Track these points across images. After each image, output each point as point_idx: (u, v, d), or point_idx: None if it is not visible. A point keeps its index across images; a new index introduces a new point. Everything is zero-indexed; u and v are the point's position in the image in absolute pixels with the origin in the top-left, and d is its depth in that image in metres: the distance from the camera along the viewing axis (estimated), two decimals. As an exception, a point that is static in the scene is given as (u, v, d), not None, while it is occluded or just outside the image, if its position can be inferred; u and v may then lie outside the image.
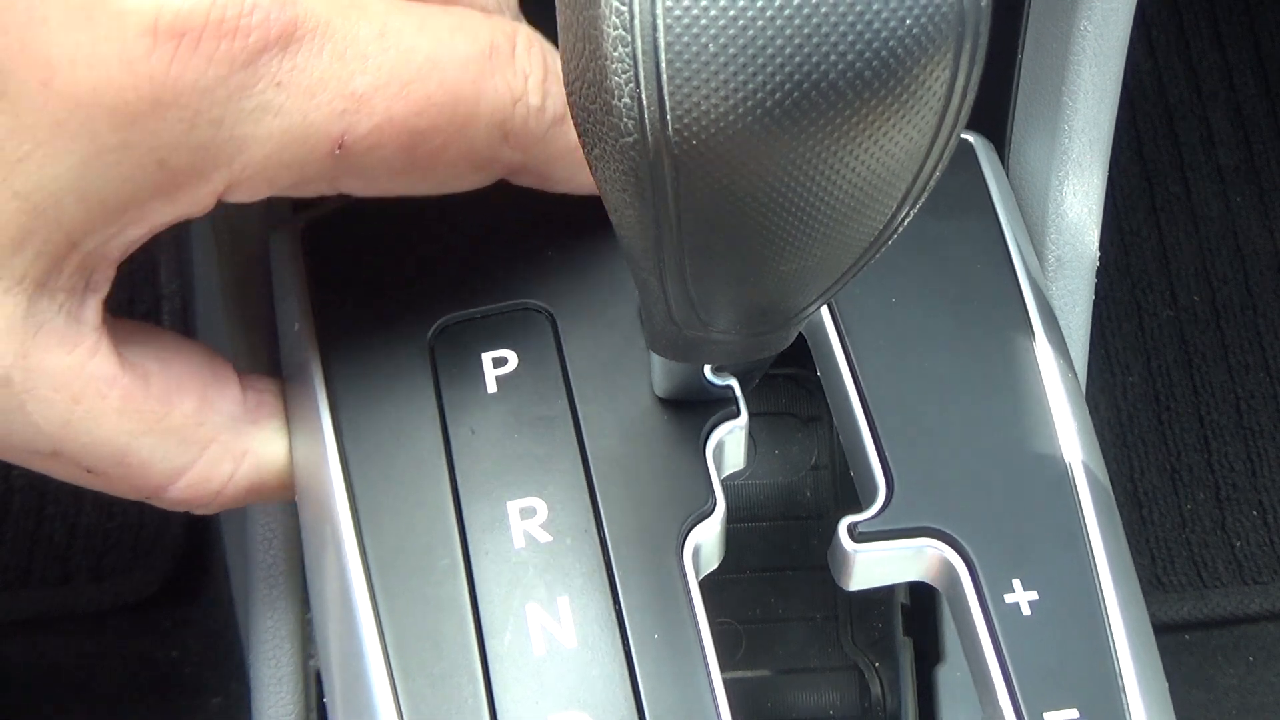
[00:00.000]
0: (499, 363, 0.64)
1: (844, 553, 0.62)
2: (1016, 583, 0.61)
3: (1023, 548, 0.62)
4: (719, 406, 0.63)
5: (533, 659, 0.59)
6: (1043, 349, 0.67)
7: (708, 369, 0.61)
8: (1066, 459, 0.64)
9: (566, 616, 0.59)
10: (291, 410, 0.66)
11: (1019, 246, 0.69)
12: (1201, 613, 1.41)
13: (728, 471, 0.65)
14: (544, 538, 0.61)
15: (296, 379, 0.66)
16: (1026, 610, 0.61)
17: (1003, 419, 0.64)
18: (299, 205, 0.73)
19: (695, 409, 0.63)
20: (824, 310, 0.66)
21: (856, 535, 0.61)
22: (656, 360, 0.58)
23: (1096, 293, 0.77)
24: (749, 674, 0.76)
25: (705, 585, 0.75)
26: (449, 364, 0.64)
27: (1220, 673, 1.40)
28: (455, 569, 0.60)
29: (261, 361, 0.72)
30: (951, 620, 0.64)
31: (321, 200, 0.68)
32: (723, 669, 0.75)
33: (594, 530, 0.61)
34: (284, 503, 0.73)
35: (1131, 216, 1.57)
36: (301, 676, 0.76)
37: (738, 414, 0.63)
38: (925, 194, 0.38)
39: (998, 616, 0.61)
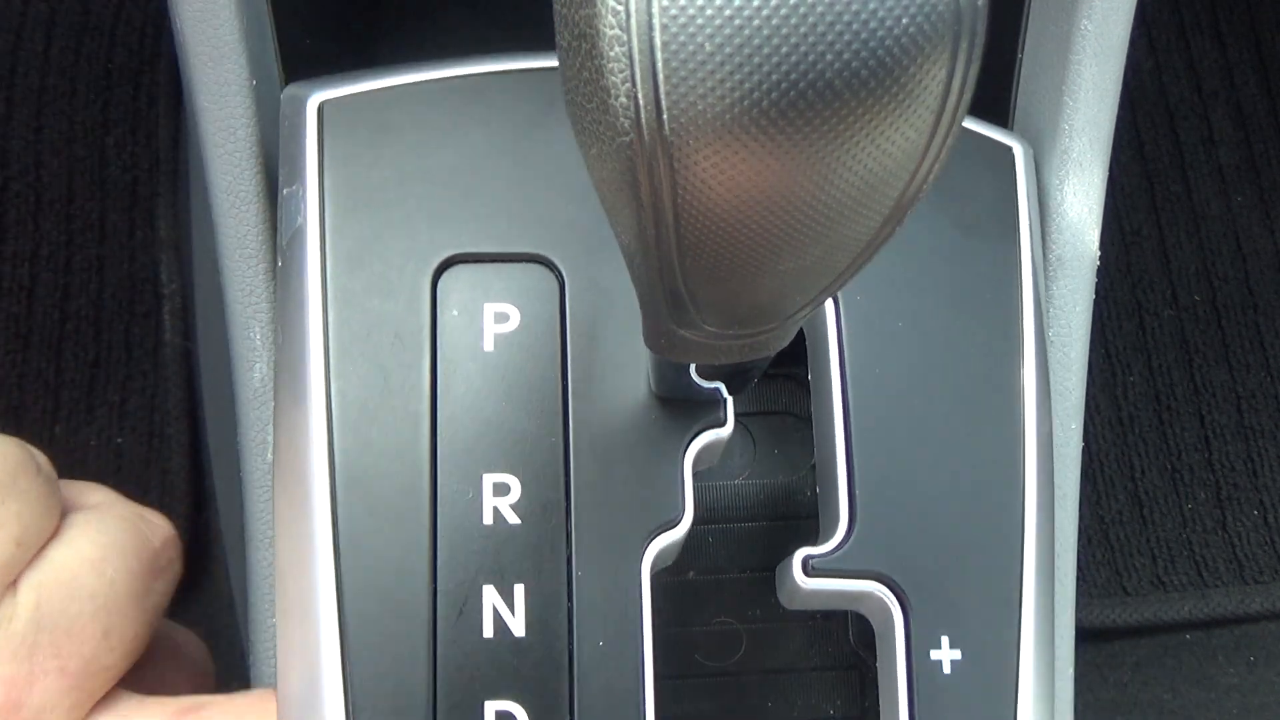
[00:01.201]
0: (500, 318, 0.64)
1: (793, 582, 0.63)
2: (945, 640, 0.64)
3: (959, 606, 0.64)
4: (707, 411, 0.63)
5: (480, 641, 0.60)
6: (1030, 404, 0.68)
7: (694, 372, 0.61)
8: (1025, 522, 0.66)
9: (520, 605, 0.60)
10: (281, 326, 0.65)
11: (1034, 283, 0.70)
12: (1202, 612, 1.41)
13: (703, 467, 0.66)
14: (513, 519, 0.61)
15: (292, 289, 0.64)
16: (947, 669, 0.63)
17: (974, 473, 0.66)
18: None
19: (683, 411, 0.63)
20: (829, 333, 0.66)
21: (809, 569, 0.63)
22: (651, 356, 0.58)
23: (1097, 292, 0.76)
24: (749, 673, 0.75)
25: (706, 586, 0.75)
26: (450, 306, 0.63)
27: (1221, 672, 1.40)
28: (421, 533, 0.61)
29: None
30: None
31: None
32: (723, 669, 0.75)
33: (562, 522, 0.61)
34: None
35: (1132, 215, 1.57)
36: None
37: (723, 422, 0.63)
38: (923, 192, 0.38)
39: (918, 672, 0.63)
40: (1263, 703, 1.38)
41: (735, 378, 0.61)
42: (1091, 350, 0.76)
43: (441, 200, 0.64)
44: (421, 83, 0.66)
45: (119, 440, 1.42)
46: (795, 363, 0.71)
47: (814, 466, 0.78)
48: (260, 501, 0.72)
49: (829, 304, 0.66)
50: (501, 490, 0.61)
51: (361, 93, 0.66)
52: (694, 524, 0.70)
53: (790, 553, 0.65)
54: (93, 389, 1.44)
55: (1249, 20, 1.64)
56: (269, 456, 0.71)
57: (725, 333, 0.46)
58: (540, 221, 0.64)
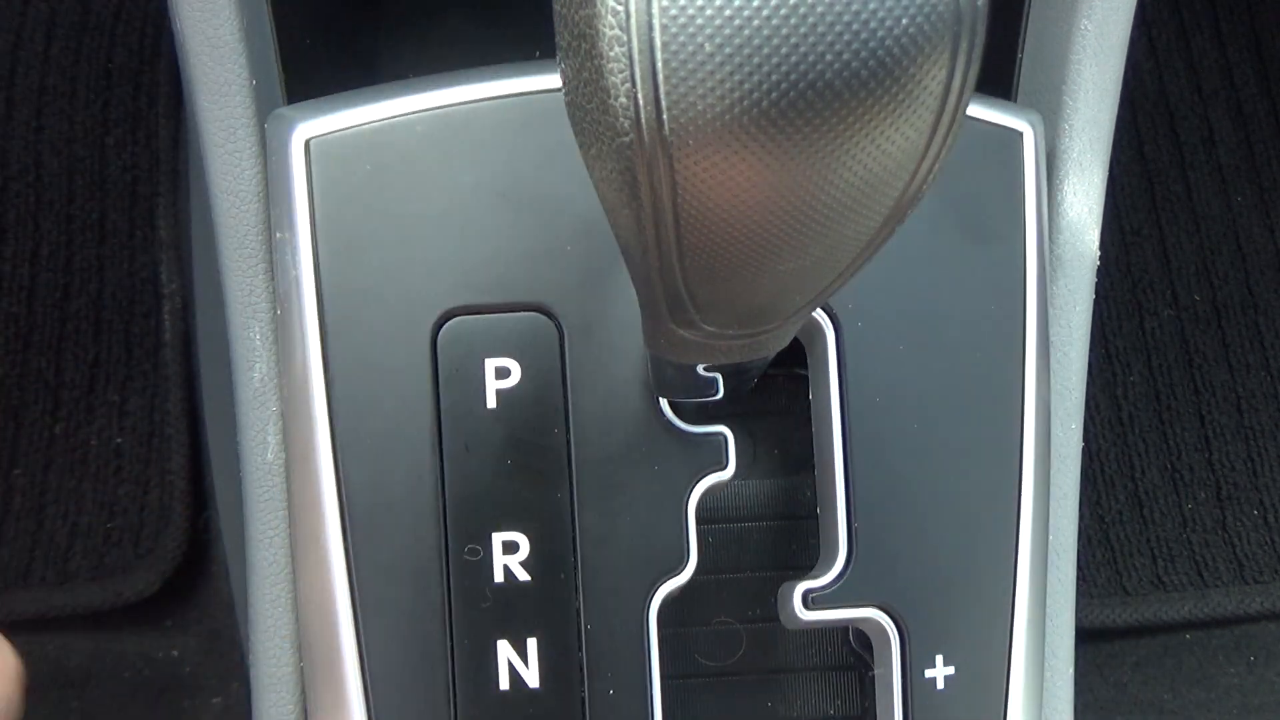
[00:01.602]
0: (501, 374, 0.64)
1: (793, 614, 0.66)
2: (939, 658, 0.66)
3: (953, 626, 0.66)
4: (708, 456, 0.65)
5: (497, 694, 0.62)
6: (1030, 422, 0.69)
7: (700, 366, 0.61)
8: (1020, 540, 0.68)
9: (533, 658, 0.63)
10: (285, 383, 0.66)
11: (1040, 301, 0.70)
12: (1202, 612, 1.41)
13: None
14: (523, 576, 0.63)
15: (295, 350, 0.65)
16: (941, 685, 0.66)
17: (970, 499, 0.67)
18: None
19: (685, 457, 0.65)
20: (830, 365, 0.67)
21: (810, 603, 0.65)
22: (650, 355, 0.58)
23: (1097, 292, 0.76)
24: (749, 673, 0.75)
25: (706, 586, 0.75)
26: (450, 362, 0.64)
27: (1221, 672, 1.40)
28: (435, 595, 0.63)
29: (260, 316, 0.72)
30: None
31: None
32: (723, 669, 0.75)
33: (570, 576, 0.63)
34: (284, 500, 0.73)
35: (1132, 215, 1.57)
36: (302, 677, 0.76)
37: (725, 465, 0.65)
38: (923, 191, 0.38)
39: (914, 689, 0.66)
40: (1262, 703, 1.38)
41: (734, 378, 0.61)
42: (1091, 350, 0.76)
43: (437, 249, 0.64)
44: (409, 116, 0.64)
45: (119, 440, 1.42)
46: (796, 363, 0.71)
47: (814, 467, 0.78)
48: (260, 501, 0.72)
49: (830, 333, 0.67)
50: (511, 548, 0.63)
51: (350, 129, 0.65)
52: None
53: (790, 578, 0.67)
54: (93, 389, 1.44)
55: (1249, 20, 1.64)
56: (269, 456, 0.71)
57: (725, 332, 0.46)
58: (537, 268, 0.64)
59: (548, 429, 0.64)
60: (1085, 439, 0.77)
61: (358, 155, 0.65)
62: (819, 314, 0.67)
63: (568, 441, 0.64)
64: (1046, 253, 0.71)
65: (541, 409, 0.64)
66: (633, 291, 0.64)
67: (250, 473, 0.72)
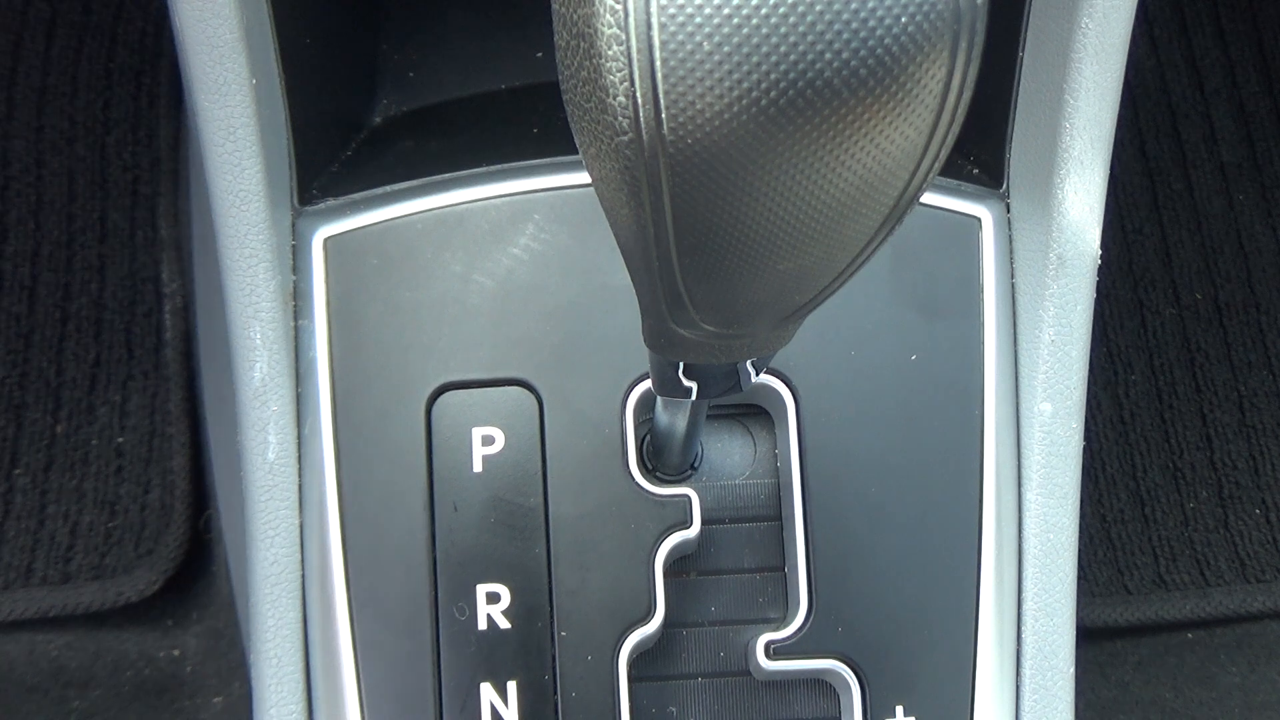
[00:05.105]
0: (486, 441, 0.71)
1: (758, 665, 0.70)
2: (899, 709, 0.70)
3: (913, 677, 0.70)
4: (674, 515, 0.70)
5: None
6: (990, 481, 0.72)
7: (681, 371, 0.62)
8: (981, 592, 0.71)
9: (513, 700, 0.69)
10: (302, 458, 0.73)
11: (998, 362, 0.73)
12: (1204, 611, 1.41)
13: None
14: (504, 624, 0.69)
15: (308, 420, 0.72)
16: None
17: (930, 551, 0.71)
18: (313, 198, 0.75)
19: (652, 516, 0.70)
20: (791, 425, 0.72)
21: (771, 653, 0.70)
22: (651, 355, 0.58)
23: (1098, 290, 0.76)
24: (749, 673, 0.75)
25: (706, 586, 0.76)
26: (442, 431, 0.71)
27: (1223, 671, 1.40)
28: (425, 640, 0.69)
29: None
30: None
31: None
32: (722, 668, 0.76)
33: (547, 625, 0.69)
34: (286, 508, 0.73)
35: (1134, 214, 1.57)
36: (303, 676, 0.76)
37: (689, 524, 0.70)
38: (922, 191, 0.38)
39: None
40: (1264, 701, 1.37)
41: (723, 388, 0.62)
42: (1093, 349, 0.76)
43: (432, 332, 0.72)
44: (411, 217, 0.73)
45: (120, 440, 1.42)
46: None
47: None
48: (260, 501, 0.72)
49: (790, 403, 0.72)
50: (493, 599, 0.70)
51: (360, 229, 0.73)
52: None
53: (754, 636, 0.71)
54: (94, 389, 1.44)
55: (1250, 18, 1.63)
56: (269, 456, 0.72)
57: (724, 332, 0.46)
58: (519, 347, 0.71)
59: (527, 491, 0.70)
60: (1086, 438, 0.77)
61: (365, 248, 0.73)
62: (779, 384, 0.72)
63: (545, 502, 0.70)
64: (1010, 325, 0.75)
65: (522, 473, 0.71)
66: (605, 367, 0.71)
67: (251, 472, 0.72)
